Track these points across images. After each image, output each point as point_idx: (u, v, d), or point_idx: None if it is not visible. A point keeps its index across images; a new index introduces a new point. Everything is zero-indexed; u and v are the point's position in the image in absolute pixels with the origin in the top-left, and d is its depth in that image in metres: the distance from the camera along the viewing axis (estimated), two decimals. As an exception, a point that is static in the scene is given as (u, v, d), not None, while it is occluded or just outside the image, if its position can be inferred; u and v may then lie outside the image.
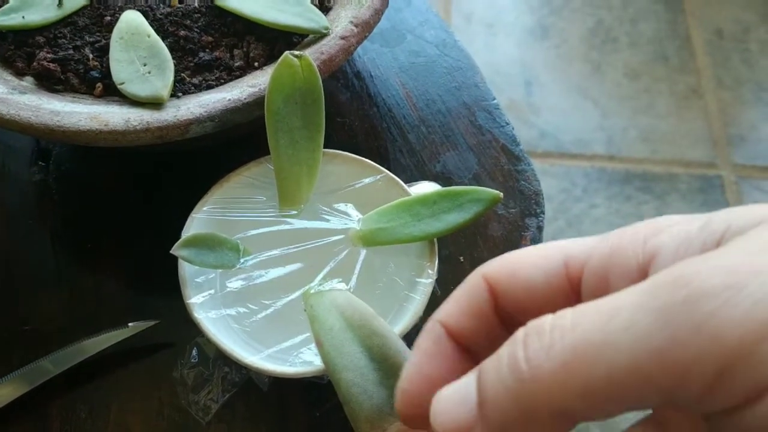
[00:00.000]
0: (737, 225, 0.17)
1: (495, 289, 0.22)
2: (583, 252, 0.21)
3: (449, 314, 0.23)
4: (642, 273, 0.19)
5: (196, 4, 0.42)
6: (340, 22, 0.40)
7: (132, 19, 0.40)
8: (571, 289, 0.21)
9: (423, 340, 0.23)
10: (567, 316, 0.17)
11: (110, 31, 0.40)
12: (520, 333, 0.18)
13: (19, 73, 0.40)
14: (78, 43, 0.41)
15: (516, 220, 0.43)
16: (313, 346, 0.32)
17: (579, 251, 0.21)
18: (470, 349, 0.22)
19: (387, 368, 0.29)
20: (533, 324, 0.17)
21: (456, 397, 0.19)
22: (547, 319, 0.17)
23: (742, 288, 0.14)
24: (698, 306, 0.15)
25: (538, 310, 0.19)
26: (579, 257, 0.21)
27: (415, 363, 0.22)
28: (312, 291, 0.33)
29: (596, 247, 0.21)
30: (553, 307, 0.18)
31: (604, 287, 0.20)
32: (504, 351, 0.18)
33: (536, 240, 0.42)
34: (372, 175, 0.37)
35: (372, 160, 0.37)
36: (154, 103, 0.37)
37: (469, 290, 0.23)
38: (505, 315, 0.21)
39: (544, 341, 0.17)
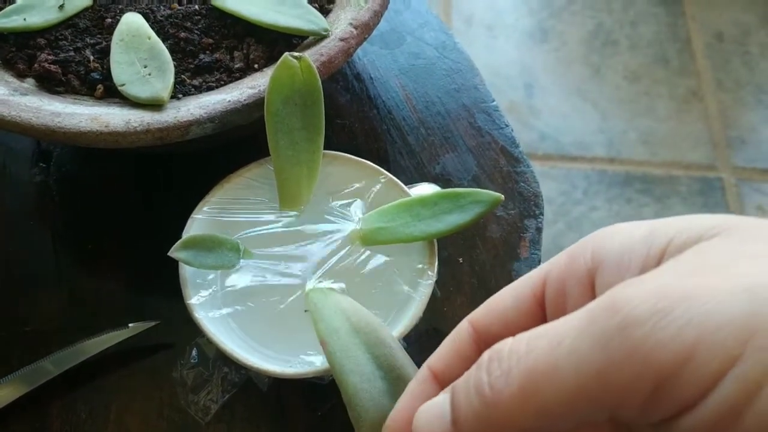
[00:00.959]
0: (678, 241, 0.19)
1: (476, 328, 0.25)
2: (545, 269, 0.23)
3: (438, 357, 0.26)
4: (591, 281, 0.21)
5: (196, 7, 0.42)
6: (340, 24, 0.40)
7: (132, 21, 0.40)
8: (539, 309, 0.23)
9: (411, 383, 0.25)
10: (523, 340, 0.19)
11: (111, 33, 0.40)
12: (485, 357, 0.20)
13: (21, 75, 0.40)
14: (79, 44, 0.41)
15: (515, 222, 0.43)
16: (313, 347, 0.32)
17: (542, 270, 0.23)
18: None
19: (392, 379, 0.29)
20: (496, 348, 0.20)
21: (435, 411, 0.21)
22: (507, 344, 0.19)
23: (669, 313, 0.16)
24: (630, 331, 0.16)
25: (512, 333, 0.20)
26: (541, 275, 0.23)
27: (401, 402, 0.25)
28: (311, 288, 0.33)
29: (556, 261, 0.23)
30: (525, 327, 0.20)
31: (562, 298, 0.22)
32: (471, 374, 0.20)
33: (535, 241, 0.43)
34: (372, 176, 0.37)
35: (372, 162, 0.37)
36: (155, 105, 0.37)
37: (455, 334, 0.25)
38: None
39: (503, 367, 0.19)
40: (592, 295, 0.21)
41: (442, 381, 0.24)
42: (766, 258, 0.17)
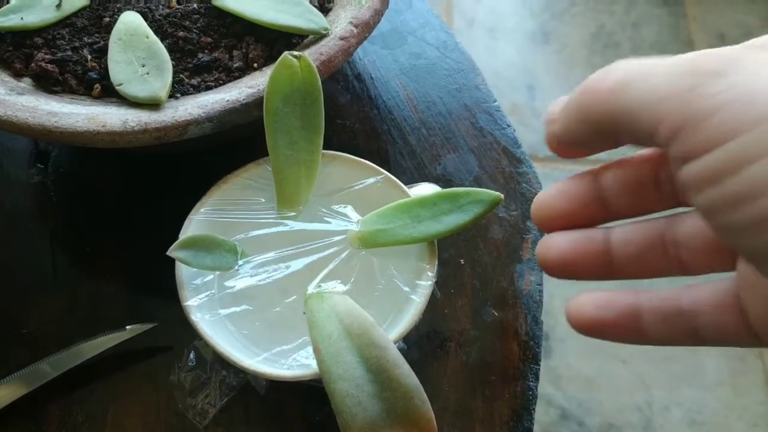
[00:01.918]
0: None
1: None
2: None
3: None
4: None
5: (195, 5, 0.42)
6: (340, 23, 0.40)
7: (131, 20, 0.40)
8: None
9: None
10: (622, 62, 0.22)
11: (109, 32, 0.40)
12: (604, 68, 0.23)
13: (17, 75, 0.40)
14: (76, 44, 0.41)
15: (517, 223, 0.43)
16: (311, 349, 0.31)
17: None
18: None
19: (383, 381, 0.29)
20: (614, 64, 0.23)
21: (562, 99, 0.25)
22: (621, 62, 0.22)
23: (723, 76, 0.19)
24: (691, 79, 0.19)
25: None
26: None
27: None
28: (311, 292, 0.33)
29: None
30: None
31: None
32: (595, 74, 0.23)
33: (538, 243, 0.42)
34: (372, 176, 0.37)
35: (372, 162, 0.37)
36: (153, 104, 0.37)
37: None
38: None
39: (608, 70, 0.22)
40: None
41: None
42: None
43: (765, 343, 0.25)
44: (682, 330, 0.26)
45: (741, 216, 0.18)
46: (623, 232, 0.27)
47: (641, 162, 0.26)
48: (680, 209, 0.26)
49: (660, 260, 0.26)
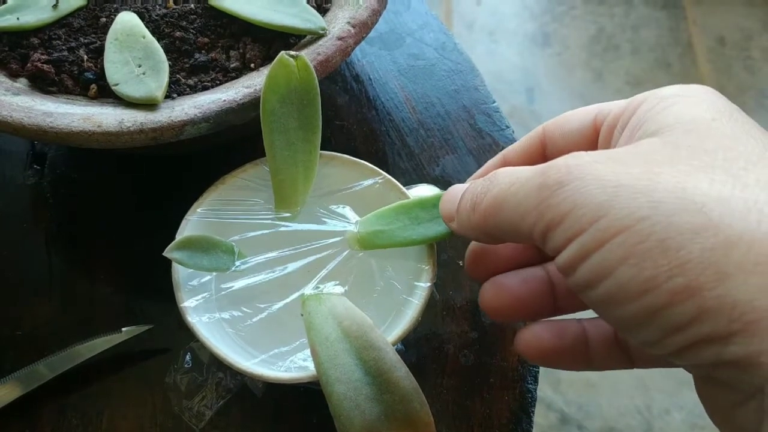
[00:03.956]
0: (646, 129, 0.24)
1: (546, 135, 0.31)
2: (608, 107, 0.28)
3: (512, 148, 0.33)
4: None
5: (192, 6, 0.42)
6: (337, 23, 0.39)
7: (127, 20, 0.40)
8: (595, 135, 0.29)
9: (488, 162, 0.34)
10: (502, 173, 0.26)
11: (105, 33, 0.40)
12: (491, 174, 0.27)
13: (13, 75, 0.40)
14: (73, 44, 0.40)
15: (516, 224, 0.42)
16: (308, 351, 0.31)
17: (608, 107, 0.29)
18: None
19: (381, 383, 0.28)
20: (496, 171, 0.27)
21: (453, 195, 0.30)
22: (500, 170, 0.26)
23: (565, 186, 0.22)
24: (542, 192, 0.23)
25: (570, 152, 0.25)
26: (605, 111, 0.28)
27: (476, 174, 0.34)
28: (309, 294, 0.33)
29: (618, 104, 0.28)
30: (580, 149, 0.24)
31: (610, 136, 0.28)
32: (478, 183, 0.27)
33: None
34: (370, 177, 0.36)
35: (371, 163, 0.37)
36: (149, 105, 0.36)
37: (531, 135, 0.32)
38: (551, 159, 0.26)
39: (489, 187, 0.26)
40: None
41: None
42: (655, 166, 0.22)
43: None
44: (618, 353, 0.29)
45: (594, 296, 0.22)
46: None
47: None
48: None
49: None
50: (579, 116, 0.30)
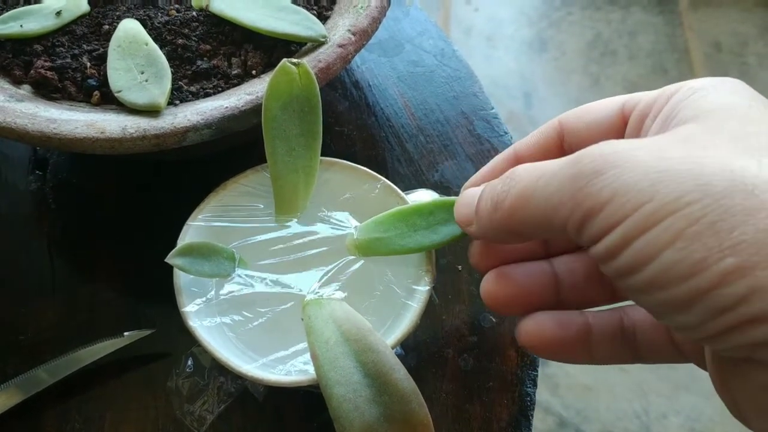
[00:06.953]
0: (683, 116, 0.24)
1: (564, 127, 0.31)
2: (638, 97, 0.28)
3: (524, 143, 0.32)
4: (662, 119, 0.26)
5: (194, 13, 0.42)
6: (338, 31, 0.40)
7: (130, 27, 0.40)
8: (622, 126, 0.29)
9: (496, 157, 0.33)
10: (525, 168, 0.26)
11: (108, 40, 0.40)
12: (508, 172, 0.26)
13: (17, 82, 0.40)
14: (76, 51, 0.41)
15: (514, 229, 0.43)
16: (309, 355, 0.31)
17: (637, 96, 0.28)
18: None
19: (380, 385, 0.29)
20: (514, 168, 0.26)
21: (469, 198, 0.29)
22: (520, 167, 0.26)
23: (603, 174, 0.22)
24: (577, 181, 0.23)
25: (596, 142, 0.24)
26: (634, 100, 0.28)
27: (481, 170, 0.34)
28: (309, 299, 0.33)
29: (648, 94, 0.28)
30: (607, 139, 0.24)
31: (640, 126, 0.27)
32: (497, 181, 0.27)
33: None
34: (370, 183, 0.37)
35: (370, 169, 0.37)
36: (152, 111, 0.37)
37: (544, 128, 0.31)
38: (569, 152, 0.26)
39: (510, 184, 0.26)
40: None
41: (521, 162, 0.29)
42: (698, 150, 0.22)
43: (691, 360, 0.28)
44: (622, 347, 0.30)
45: (635, 281, 0.22)
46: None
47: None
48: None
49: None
50: (603, 106, 0.30)
